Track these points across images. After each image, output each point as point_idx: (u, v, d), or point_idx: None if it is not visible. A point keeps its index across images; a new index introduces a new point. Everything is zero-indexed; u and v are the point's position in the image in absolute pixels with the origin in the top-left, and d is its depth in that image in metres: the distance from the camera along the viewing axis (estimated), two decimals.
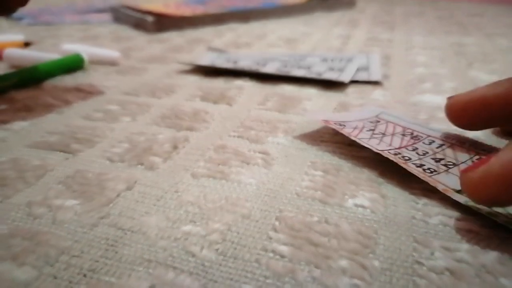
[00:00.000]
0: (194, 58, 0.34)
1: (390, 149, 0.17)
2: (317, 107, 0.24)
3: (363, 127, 0.19)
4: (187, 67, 0.32)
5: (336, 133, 0.20)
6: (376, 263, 0.12)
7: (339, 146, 0.19)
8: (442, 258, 0.12)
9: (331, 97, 0.25)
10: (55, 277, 0.11)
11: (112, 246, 0.12)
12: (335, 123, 0.19)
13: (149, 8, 0.51)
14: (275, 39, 0.42)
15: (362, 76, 0.29)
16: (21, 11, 0.55)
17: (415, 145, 0.18)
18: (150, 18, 0.44)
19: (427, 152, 0.17)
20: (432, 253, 0.12)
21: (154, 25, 0.44)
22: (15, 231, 0.13)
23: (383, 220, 0.14)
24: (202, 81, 0.29)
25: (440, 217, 0.14)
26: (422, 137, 0.18)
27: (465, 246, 0.13)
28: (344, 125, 0.19)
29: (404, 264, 0.12)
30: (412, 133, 0.19)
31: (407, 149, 0.17)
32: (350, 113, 0.22)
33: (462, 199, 0.14)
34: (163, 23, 0.45)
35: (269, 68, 0.30)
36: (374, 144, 0.17)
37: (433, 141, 0.18)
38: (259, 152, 0.18)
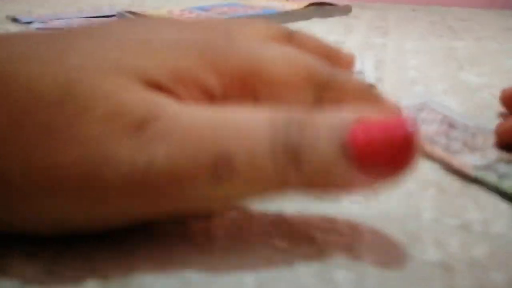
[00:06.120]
0: None
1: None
2: None
3: None
4: None
5: None
6: (371, 258, 0.12)
7: None
8: (434, 252, 0.13)
9: None
10: (63, 275, 0.12)
11: (117, 244, 0.13)
12: None
13: (154, 14, 0.52)
14: None
15: None
16: (31, 15, 0.56)
17: (448, 132, 0.19)
18: None
19: (458, 138, 0.19)
20: (425, 248, 0.13)
21: None
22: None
23: (377, 215, 0.14)
24: None
25: (432, 213, 0.14)
26: (458, 125, 0.20)
27: (456, 241, 0.13)
28: None
29: (398, 259, 0.12)
30: (450, 122, 0.20)
31: (438, 135, 0.19)
32: (396, 100, 0.24)
33: (473, 172, 0.16)
34: None
35: None
36: None
37: (467, 130, 0.20)
38: None
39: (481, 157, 0.17)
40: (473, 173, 0.16)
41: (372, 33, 0.50)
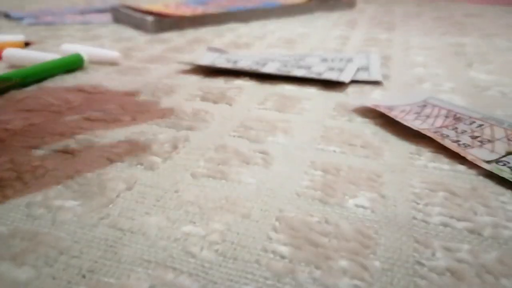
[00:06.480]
0: (194, 58, 0.34)
1: (430, 128, 0.19)
2: (317, 107, 0.24)
3: (410, 110, 0.21)
4: (188, 67, 0.32)
5: (336, 132, 0.20)
6: (377, 264, 0.12)
7: (339, 145, 0.19)
8: (443, 258, 0.12)
9: (331, 97, 0.25)
10: (54, 278, 0.11)
11: (111, 246, 0.12)
12: (384, 107, 0.21)
13: (149, 8, 0.51)
14: (275, 39, 0.42)
15: (362, 76, 0.29)
16: (23, 11, 0.55)
17: (455, 125, 0.19)
18: (150, 18, 0.44)
19: (466, 131, 0.19)
20: (433, 254, 0.12)
21: (154, 25, 0.44)
22: (15, 232, 0.13)
23: (384, 220, 0.14)
24: (202, 81, 0.29)
25: (441, 217, 0.14)
26: (464, 118, 0.20)
27: (466, 246, 0.13)
28: (393, 109, 0.22)
29: (405, 264, 0.12)
30: (455, 115, 0.21)
31: (447, 128, 0.19)
32: (399, 98, 0.24)
33: (487, 166, 0.16)
34: (163, 23, 0.45)
35: (269, 68, 0.30)
36: (417, 124, 0.20)
37: (474, 122, 0.20)
38: (259, 152, 0.18)
39: (491, 150, 0.17)
40: (487, 167, 0.16)
41: (377, 28, 0.49)
